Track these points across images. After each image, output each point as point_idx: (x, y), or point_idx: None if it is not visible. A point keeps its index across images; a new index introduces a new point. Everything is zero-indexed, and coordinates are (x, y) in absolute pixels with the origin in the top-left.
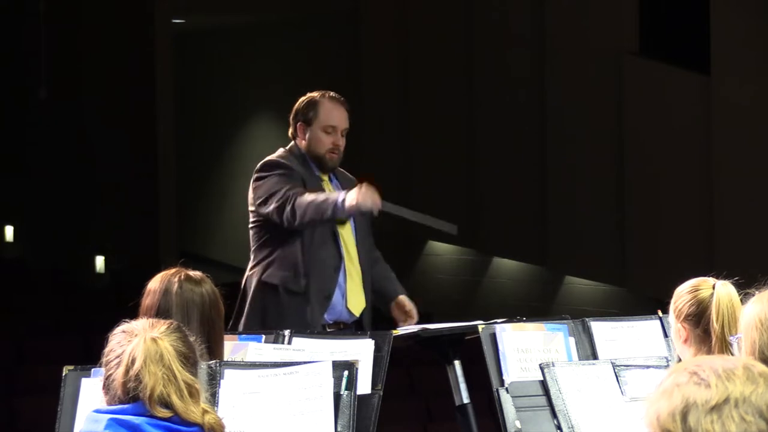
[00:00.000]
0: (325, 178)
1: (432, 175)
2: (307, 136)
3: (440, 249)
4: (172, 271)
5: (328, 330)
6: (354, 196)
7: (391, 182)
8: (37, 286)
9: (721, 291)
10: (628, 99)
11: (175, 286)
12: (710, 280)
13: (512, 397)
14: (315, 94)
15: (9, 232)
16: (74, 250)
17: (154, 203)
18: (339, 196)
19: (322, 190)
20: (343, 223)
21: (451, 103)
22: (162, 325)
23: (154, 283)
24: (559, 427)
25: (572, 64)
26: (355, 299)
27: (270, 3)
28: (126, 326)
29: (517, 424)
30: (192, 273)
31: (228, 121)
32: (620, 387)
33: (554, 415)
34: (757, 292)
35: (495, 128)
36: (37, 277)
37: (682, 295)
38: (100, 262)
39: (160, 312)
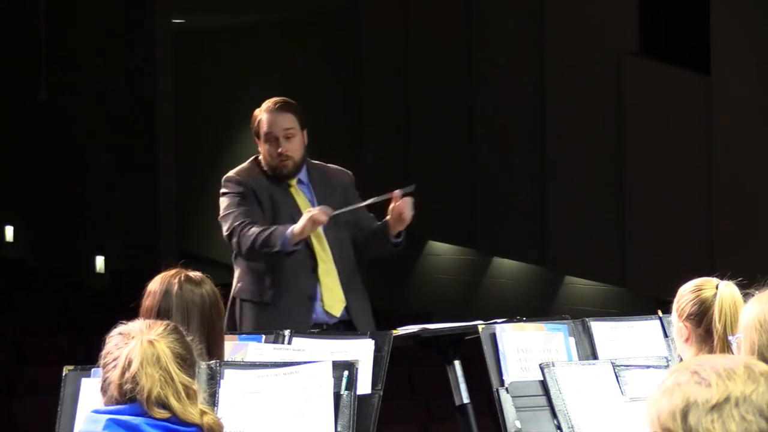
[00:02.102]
0: (293, 184)
1: (432, 174)
2: (261, 150)
3: (440, 249)
4: (172, 272)
5: (311, 331)
6: (299, 225)
7: (391, 182)
8: (37, 286)
9: (724, 291)
10: (628, 99)
11: (175, 287)
12: (714, 280)
13: (512, 397)
14: (258, 109)
15: (9, 232)
16: (74, 250)
17: (154, 203)
18: (288, 229)
19: (290, 196)
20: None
21: (450, 103)
22: (159, 327)
23: (154, 285)
24: (559, 427)
25: (572, 64)
26: (331, 299)
27: (270, 3)
28: (123, 328)
29: (517, 424)
30: (192, 274)
31: (228, 121)
32: (620, 387)
33: (554, 415)
34: (756, 293)
35: (495, 128)
36: (37, 277)
37: (685, 294)
38: (100, 262)
39: (161, 313)
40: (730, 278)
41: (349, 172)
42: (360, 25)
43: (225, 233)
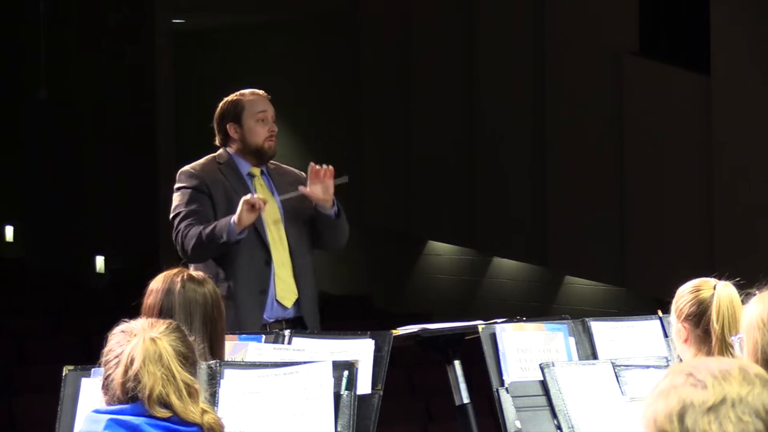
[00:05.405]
0: (257, 173)
1: (432, 174)
2: (241, 132)
3: (440, 249)
4: (175, 270)
5: (270, 331)
6: (237, 212)
7: (391, 181)
8: (37, 286)
9: (721, 292)
10: (628, 99)
11: (178, 285)
12: (711, 281)
13: (512, 397)
14: (232, 96)
15: (9, 232)
16: (74, 250)
17: (154, 203)
18: (231, 218)
19: (246, 190)
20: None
21: (451, 103)
22: (161, 325)
23: (157, 283)
24: (559, 427)
25: (572, 64)
26: (284, 290)
27: (270, 3)
28: (125, 326)
29: (517, 424)
30: (194, 273)
31: None
32: (620, 387)
33: (554, 415)
34: (757, 292)
35: (495, 128)
36: (37, 277)
37: (684, 295)
38: (100, 262)
39: (163, 311)
40: (730, 278)
41: (302, 173)
42: (360, 25)
43: (173, 234)
